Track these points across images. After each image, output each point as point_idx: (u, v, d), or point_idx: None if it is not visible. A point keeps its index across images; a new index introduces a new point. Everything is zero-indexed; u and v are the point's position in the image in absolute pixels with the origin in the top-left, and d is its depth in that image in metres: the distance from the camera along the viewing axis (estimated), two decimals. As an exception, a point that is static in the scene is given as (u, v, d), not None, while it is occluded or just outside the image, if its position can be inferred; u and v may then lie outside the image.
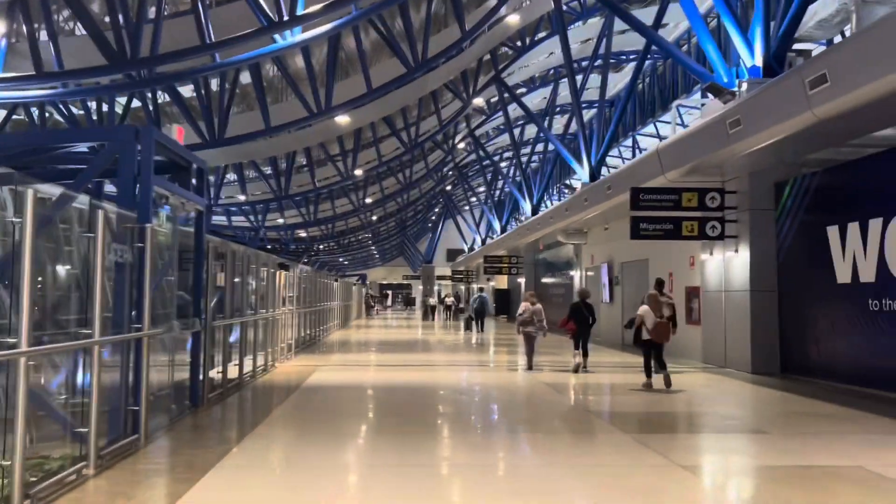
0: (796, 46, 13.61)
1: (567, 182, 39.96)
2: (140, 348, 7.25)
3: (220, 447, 7.30)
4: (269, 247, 50.86)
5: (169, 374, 8.75)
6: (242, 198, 33.35)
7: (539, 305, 14.37)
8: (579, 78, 38.29)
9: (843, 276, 11.74)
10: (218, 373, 10.73)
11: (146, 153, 7.70)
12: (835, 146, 11.73)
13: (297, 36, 15.05)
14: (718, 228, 14.51)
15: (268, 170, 31.09)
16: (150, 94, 20.30)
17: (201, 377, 9.61)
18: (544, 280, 33.43)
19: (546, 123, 36.14)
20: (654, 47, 19.73)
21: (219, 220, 38.70)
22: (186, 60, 16.10)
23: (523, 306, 14.38)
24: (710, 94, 14.43)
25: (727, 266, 14.90)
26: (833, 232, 11.98)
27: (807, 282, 12.98)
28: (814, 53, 13.40)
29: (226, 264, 10.73)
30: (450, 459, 7.16)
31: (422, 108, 30.70)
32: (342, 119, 24.48)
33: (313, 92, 20.07)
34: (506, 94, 29.75)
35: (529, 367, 13.92)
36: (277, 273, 14.44)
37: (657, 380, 11.23)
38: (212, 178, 30.07)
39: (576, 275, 25.70)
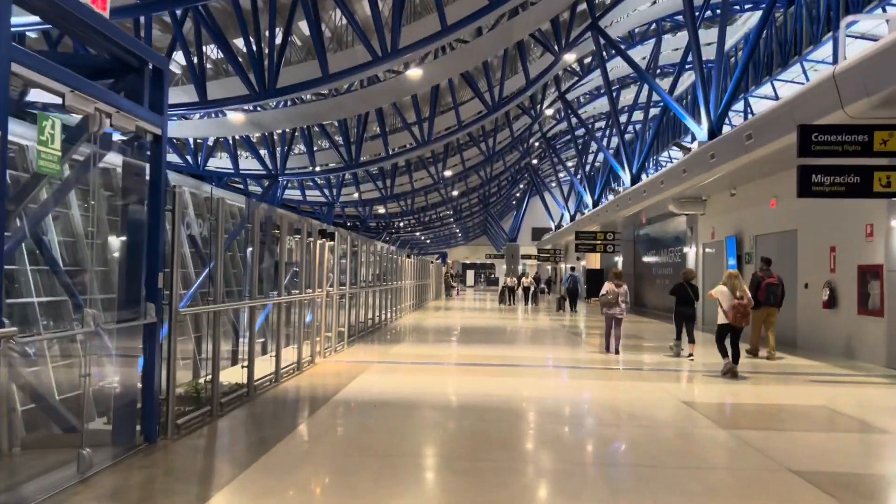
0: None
1: (679, 142, 34.79)
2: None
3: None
4: (348, 224, 48.03)
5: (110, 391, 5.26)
6: (318, 169, 30.20)
7: (625, 287, 12.99)
8: (682, 35, 33.40)
9: None
10: (206, 380, 7.20)
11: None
12: None
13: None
14: (928, 181, 9.97)
15: (339, 139, 27.76)
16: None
17: (165, 394, 6.06)
18: (646, 259, 28.79)
19: (645, 86, 31.38)
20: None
21: (292, 193, 35.84)
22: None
23: (607, 287, 12.93)
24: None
25: (938, 235, 10.30)
26: None
27: None
28: None
29: (215, 226, 7.09)
30: None
31: (506, 66, 26.59)
32: (414, 73, 20.70)
33: (378, 34, 16.35)
34: (603, 43, 25.11)
35: (607, 349, 12.93)
36: (316, 243, 10.82)
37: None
38: (278, 149, 27.01)
39: (690, 252, 21.11)
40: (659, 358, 12.71)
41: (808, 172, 10.25)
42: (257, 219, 8.19)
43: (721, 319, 10.28)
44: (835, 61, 27.61)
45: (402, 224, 53.93)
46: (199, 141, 27.07)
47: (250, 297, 8.28)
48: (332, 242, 11.88)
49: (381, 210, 44.18)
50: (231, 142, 27.04)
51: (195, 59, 17.14)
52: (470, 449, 6.14)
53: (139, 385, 5.92)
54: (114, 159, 6.37)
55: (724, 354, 10.25)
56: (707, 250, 19.93)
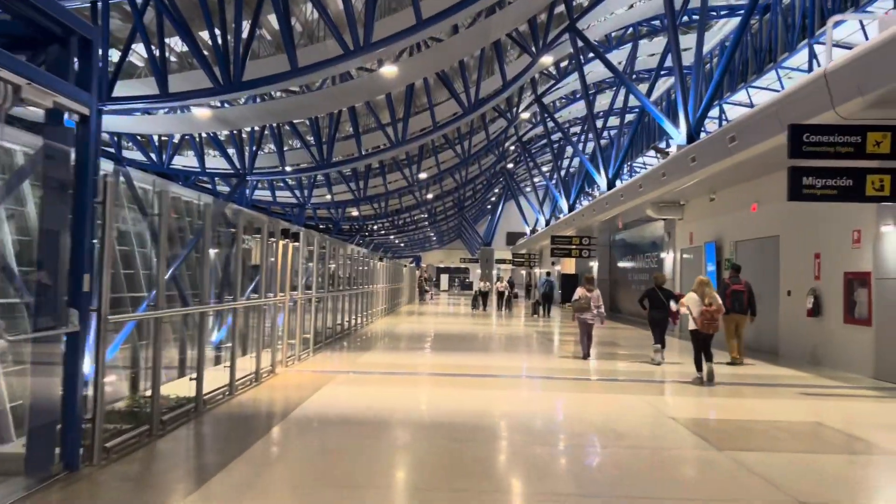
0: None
1: (657, 146, 34.38)
2: None
3: None
4: (320, 226, 47.08)
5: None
6: (287, 168, 29.24)
7: (597, 292, 12.77)
8: (658, 40, 33.09)
9: None
10: (144, 397, 6.39)
11: None
12: None
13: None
14: (923, 185, 9.48)
15: (311, 139, 26.87)
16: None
17: (91, 413, 5.25)
18: (622, 264, 28.31)
19: (622, 91, 31.01)
20: None
21: (262, 194, 34.84)
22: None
23: (579, 292, 12.74)
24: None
25: (932, 242, 9.83)
26: None
27: None
28: None
29: (158, 222, 6.28)
30: None
31: (483, 67, 25.96)
32: (388, 70, 19.96)
33: (350, 28, 15.59)
34: (581, 45, 24.59)
35: (585, 355, 12.57)
36: (279, 243, 10.03)
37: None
38: (246, 148, 26.09)
39: (667, 257, 20.61)
40: (637, 366, 12.14)
41: (798, 175, 9.71)
42: (209, 215, 7.39)
43: (691, 325, 10.25)
44: (810, 69, 27.48)
45: (375, 227, 53.08)
46: (164, 138, 26.04)
47: (200, 302, 7.48)
48: (296, 243, 11.09)
49: (355, 213, 43.31)
50: (197, 140, 26.04)
51: (156, 51, 16.22)
52: (443, 477, 5.41)
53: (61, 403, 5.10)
54: (34, 142, 5.55)
55: (699, 368, 10.12)
56: (685, 256, 19.45)
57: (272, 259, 9.84)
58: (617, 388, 10.21)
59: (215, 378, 8.22)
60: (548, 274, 33.60)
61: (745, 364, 12.33)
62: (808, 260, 13.02)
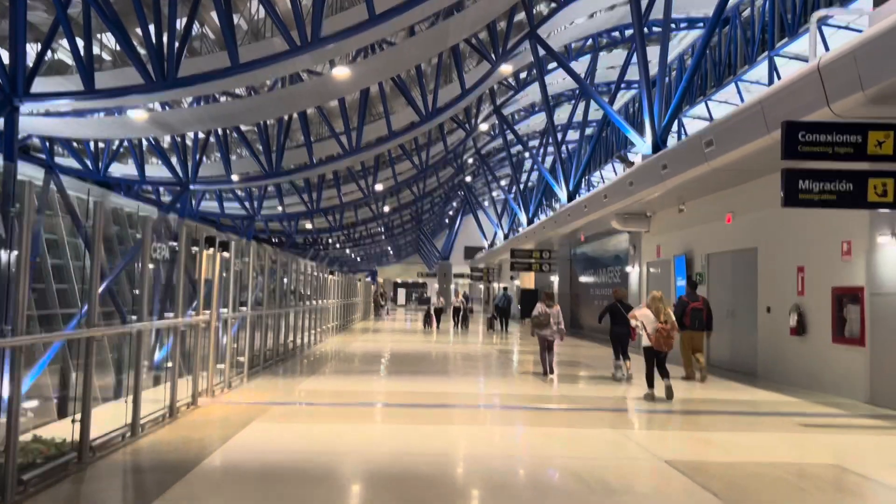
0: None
1: (622, 154, 33.43)
2: None
3: None
4: (273, 240, 45.17)
5: None
6: (235, 177, 27.45)
7: (557, 308, 12.33)
8: (618, 52, 32.41)
9: None
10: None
11: None
12: None
13: None
14: (930, 190, 8.46)
15: (260, 148, 25.19)
16: None
17: None
18: (583, 279, 27.22)
19: (581, 105, 30.21)
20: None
21: (209, 205, 32.93)
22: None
23: (538, 308, 12.21)
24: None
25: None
26: None
27: None
28: None
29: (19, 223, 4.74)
30: None
31: (440, 75, 24.74)
32: (340, 72, 18.55)
33: (297, 23, 14.14)
34: (542, 54, 23.58)
35: (545, 372, 12.10)
36: (202, 253, 8.49)
37: (659, 388, 9.71)
38: (190, 156, 24.31)
39: (632, 271, 19.52)
40: (603, 388, 10.97)
41: (794, 178, 8.58)
42: (100, 214, 5.84)
43: (645, 342, 9.92)
44: (770, 82, 26.98)
45: (330, 241, 51.28)
46: (101, 145, 24.09)
47: (89, 323, 5.91)
48: (226, 254, 9.54)
49: (309, 225, 41.52)
50: (137, 147, 24.16)
51: (82, 43, 14.51)
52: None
53: None
54: None
55: (651, 384, 9.85)
56: (651, 270, 18.38)
57: (191, 271, 8.30)
58: (590, 419, 8.90)
59: (116, 415, 6.67)
60: (505, 289, 32.62)
61: (714, 382, 11.65)
62: (791, 273, 11.97)
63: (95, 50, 18.28)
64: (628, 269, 19.78)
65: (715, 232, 14.75)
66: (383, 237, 56.06)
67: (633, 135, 19.21)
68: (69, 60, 18.94)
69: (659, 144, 17.40)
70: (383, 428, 7.89)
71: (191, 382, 8.48)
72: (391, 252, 71.71)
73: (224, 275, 10.00)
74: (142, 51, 15.13)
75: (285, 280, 14.27)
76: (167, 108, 20.82)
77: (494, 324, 26.07)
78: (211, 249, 8.71)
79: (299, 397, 9.78)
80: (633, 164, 19.24)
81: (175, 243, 8.63)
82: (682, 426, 8.23)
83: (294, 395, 9.98)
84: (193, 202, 31.72)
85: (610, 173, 41.60)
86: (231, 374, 10.56)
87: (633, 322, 11.27)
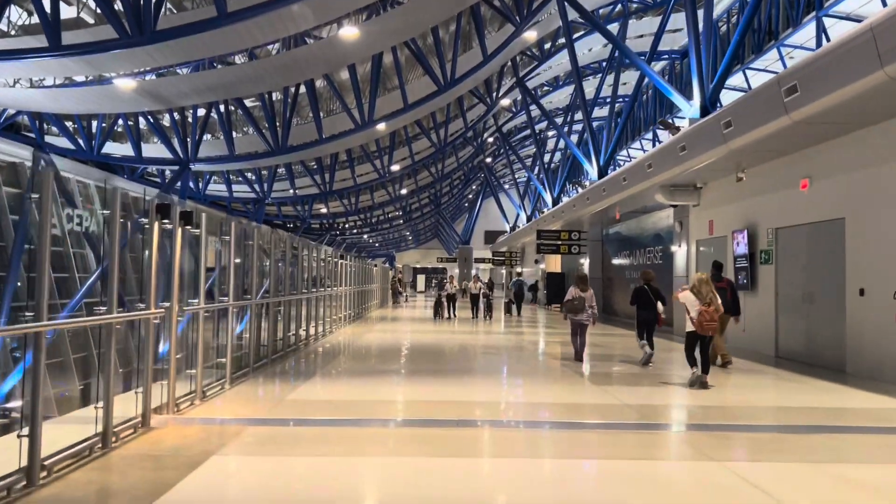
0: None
1: (666, 119, 30.56)
2: None
3: None
4: (289, 225, 43.19)
5: None
6: (239, 165, 25.34)
7: (591, 291, 11.66)
8: (648, 20, 29.82)
9: None
10: None
11: None
12: None
13: None
14: None
15: (266, 125, 23.04)
16: None
17: None
18: (617, 261, 24.81)
19: (609, 78, 27.73)
20: None
21: (218, 188, 30.94)
22: None
23: (572, 292, 11.61)
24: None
25: None
26: None
27: None
28: None
29: None
30: None
31: (459, 41, 22.38)
32: (348, 33, 16.34)
33: None
34: (571, 19, 21.10)
35: (578, 358, 11.55)
36: (154, 229, 6.33)
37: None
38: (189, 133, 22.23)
39: (678, 251, 17.13)
40: (670, 393, 8.76)
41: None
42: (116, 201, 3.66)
43: (689, 327, 9.32)
44: (818, 45, 24.30)
45: (346, 225, 49.20)
46: (94, 123, 22.09)
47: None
48: (195, 230, 7.38)
49: (323, 209, 39.44)
50: (132, 124, 22.12)
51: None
52: None
53: None
54: None
55: (692, 364, 9.24)
56: (701, 249, 16.00)
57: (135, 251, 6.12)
58: (671, 443, 6.65)
59: (10, 451, 4.56)
60: (518, 274, 32.04)
61: (793, 379, 9.63)
62: (891, 249, 9.59)
63: (73, 12, 16.21)
64: (674, 248, 17.39)
65: (785, 201, 12.36)
66: (402, 221, 53.89)
67: (678, 98, 16.81)
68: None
69: (708, 107, 15.05)
70: (387, 463, 5.63)
71: (141, 397, 6.36)
72: (409, 237, 69.63)
73: (197, 257, 7.88)
74: (119, 8, 13.03)
75: (280, 265, 12.11)
76: (163, 74, 18.73)
77: (511, 308, 26.78)
78: (167, 222, 6.53)
79: (285, 412, 7.59)
80: (678, 129, 16.83)
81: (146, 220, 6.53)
82: (797, 451, 5.98)
83: (278, 408, 7.79)
84: (201, 184, 29.75)
85: (638, 151, 39.01)
86: (211, 380, 8.46)
87: (661, 308, 11.24)
